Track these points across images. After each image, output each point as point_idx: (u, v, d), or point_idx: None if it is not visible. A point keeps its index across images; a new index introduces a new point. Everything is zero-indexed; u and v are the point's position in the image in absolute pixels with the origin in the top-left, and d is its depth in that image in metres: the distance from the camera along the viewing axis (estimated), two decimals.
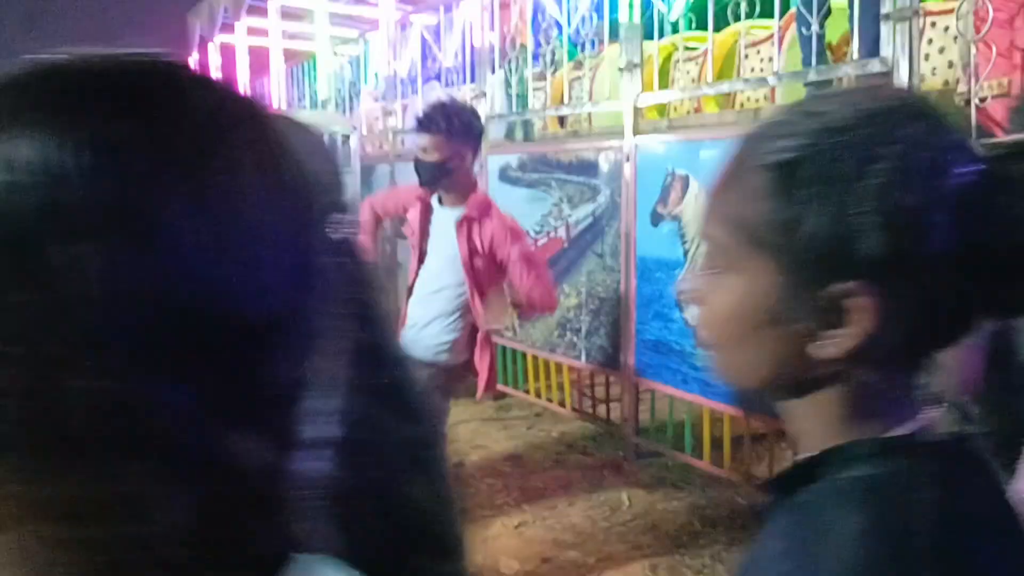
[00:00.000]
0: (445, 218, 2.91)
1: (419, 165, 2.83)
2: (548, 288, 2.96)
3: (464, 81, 5.87)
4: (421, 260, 3.01)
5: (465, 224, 2.84)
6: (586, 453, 4.42)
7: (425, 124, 2.79)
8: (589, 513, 3.65)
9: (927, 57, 3.62)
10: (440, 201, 2.95)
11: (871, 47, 3.10)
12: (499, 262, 2.85)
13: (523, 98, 5.43)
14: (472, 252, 2.83)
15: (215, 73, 8.84)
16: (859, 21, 3.11)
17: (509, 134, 5.76)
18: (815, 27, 3.29)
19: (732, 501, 3.71)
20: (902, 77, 2.89)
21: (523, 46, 5.37)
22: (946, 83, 3.59)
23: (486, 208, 2.88)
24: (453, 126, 2.75)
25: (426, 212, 2.97)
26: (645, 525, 3.54)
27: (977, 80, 2.87)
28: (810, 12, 3.32)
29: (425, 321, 2.92)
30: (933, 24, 3.62)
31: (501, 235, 2.82)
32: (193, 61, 12.40)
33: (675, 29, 4.53)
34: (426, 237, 2.98)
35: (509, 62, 5.64)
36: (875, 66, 3.02)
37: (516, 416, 5.00)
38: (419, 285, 2.99)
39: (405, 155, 6.56)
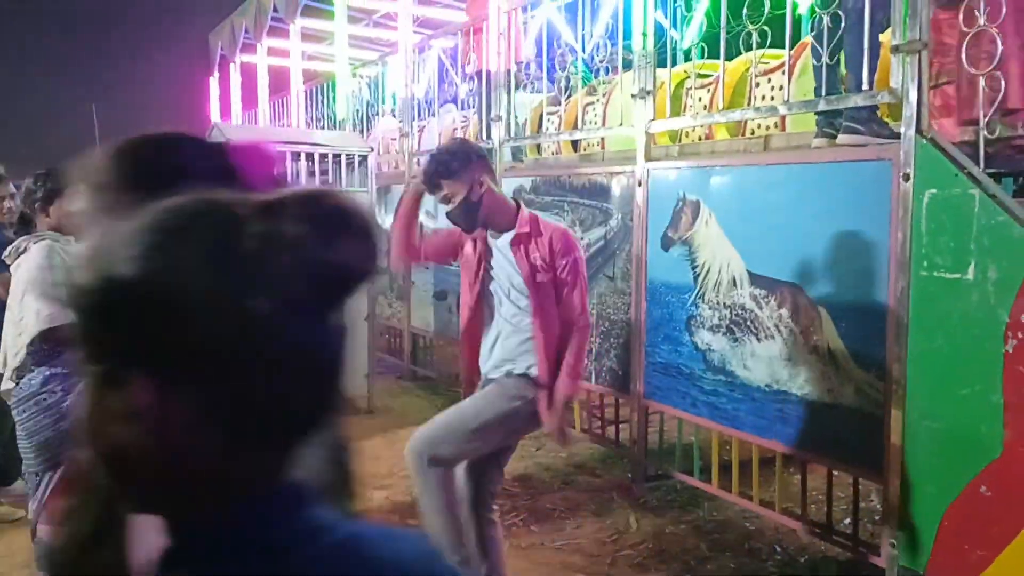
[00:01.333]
0: (500, 244, 2.87)
1: (453, 216, 2.81)
2: (582, 306, 2.85)
3: (480, 104, 5.96)
4: (482, 290, 2.92)
5: (520, 243, 2.81)
6: (595, 475, 4.44)
7: (430, 181, 2.80)
8: (598, 535, 3.67)
9: (935, 86, 3.66)
10: (492, 235, 2.91)
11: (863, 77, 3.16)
12: (554, 270, 2.81)
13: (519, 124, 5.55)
14: (533, 269, 2.79)
15: (235, 91, 8.96)
16: (868, 51, 3.16)
17: (515, 157, 5.83)
18: (824, 58, 3.34)
19: (740, 525, 3.71)
20: (911, 108, 2.93)
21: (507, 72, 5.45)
22: None
23: (535, 223, 2.85)
24: (451, 166, 2.75)
25: (484, 240, 2.91)
26: (653, 548, 3.56)
27: (985, 114, 2.91)
28: (821, 43, 3.37)
29: (493, 345, 2.89)
30: None
31: (551, 247, 2.80)
32: (214, 80, 12.61)
33: (687, 56, 4.60)
34: (484, 264, 2.90)
35: (524, 86, 5.73)
36: (885, 97, 3.06)
37: (525, 437, 5.02)
38: (487, 313, 2.93)
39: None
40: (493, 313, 2.90)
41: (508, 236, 2.84)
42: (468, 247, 2.94)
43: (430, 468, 2.68)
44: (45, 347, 2.76)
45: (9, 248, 2.90)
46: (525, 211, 2.89)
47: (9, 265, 2.91)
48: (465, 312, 3.00)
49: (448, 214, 2.82)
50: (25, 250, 2.84)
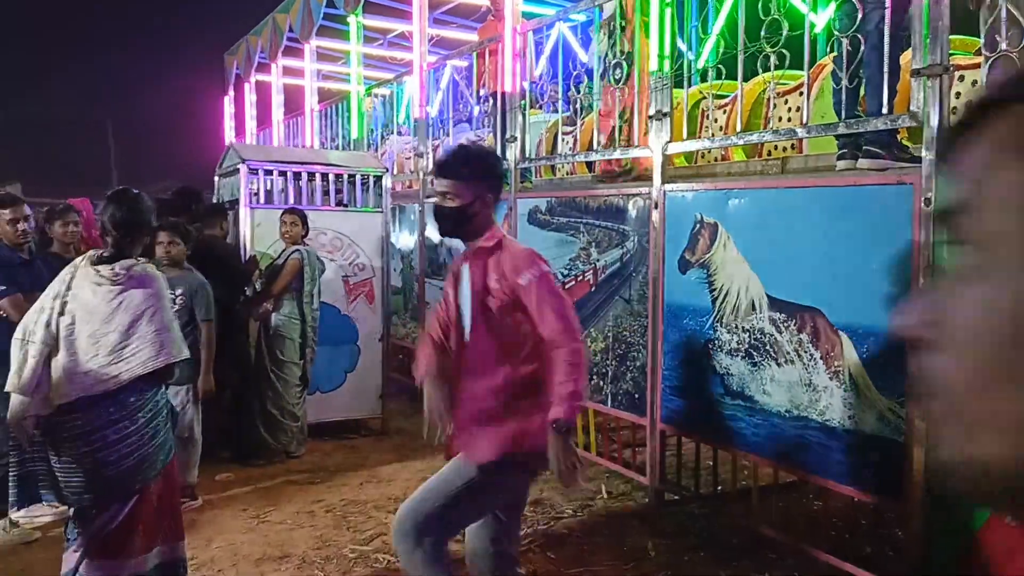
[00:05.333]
0: (466, 268, 2.57)
1: (439, 212, 2.54)
2: (562, 323, 2.39)
3: (495, 125, 5.97)
4: (458, 337, 2.58)
5: (478, 257, 2.52)
6: (611, 499, 4.39)
7: (445, 169, 2.53)
8: (614, 562, 3.62)
9: (955, 110, 3.64)
10: (467, 261, 2.59)
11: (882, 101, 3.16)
12: (515, 298, 2.43)
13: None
14: (483, 290, 2.47)
15: (249, 110, 9.01)
16: (889, 76, 3.15)
17: (523, 178, 5.83)
18: (844, 81, 3.33)
19: (761, 554, 3.66)
20: (932, 131, 2.91)
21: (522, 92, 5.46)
22: None
23: (501, 240, 2.54)
24: (475, 170, 2.52)
25: (456, 281, 2.62)
26: None
27: None
28: (841, 67, 3.36)
29: (474, 400, 2.51)
30: (961, 78, 3.64)
31: (510, 264, 2.45)
32: (229, 99, 12.71)
33: (703, 77, 4.60)
34: (458, 309, 2.59)
35: (540, 106, 5.74)
36: (905, 121, 3.04)
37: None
38: (464, 361, 2.56)
39: (433, 195, 6.66)
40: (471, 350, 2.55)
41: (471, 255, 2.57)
42: (450, 295, 2.64)
43: (417, 548, 2.39)
44: (143, 376, 2.67)
45: (116, 268, 2.73)
46: (499, 229, 2.60)
47: (102, 285, 2.72)
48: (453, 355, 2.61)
49: (435, 208, 2.58)
50: (133, 276, 2.72)
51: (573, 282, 4.78)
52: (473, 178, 2.52)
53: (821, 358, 3.31)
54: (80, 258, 2.84)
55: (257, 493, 4.55)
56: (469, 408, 2.51)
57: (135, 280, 2.73)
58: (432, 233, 6.59)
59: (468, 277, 2.53)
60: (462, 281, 2.58)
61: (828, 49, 4.78)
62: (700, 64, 4.67)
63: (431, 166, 6.85)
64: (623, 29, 4.81)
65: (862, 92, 3.45)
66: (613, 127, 4.88)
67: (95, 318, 2.67)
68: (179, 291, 4.25)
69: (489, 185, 2.56)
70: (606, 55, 4.85)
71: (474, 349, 2.50)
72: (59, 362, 2.67)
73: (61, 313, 2.69)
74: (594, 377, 4.58)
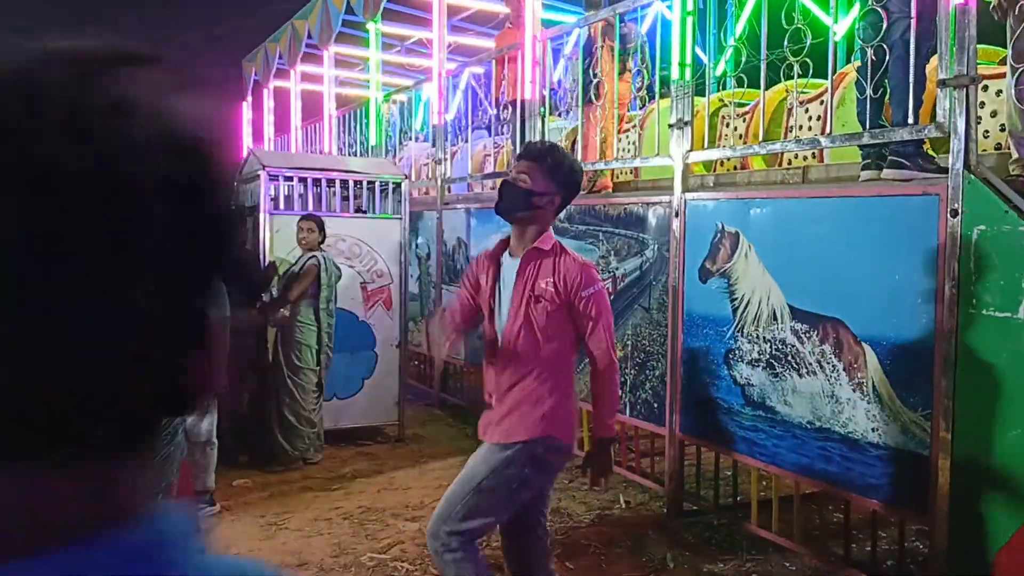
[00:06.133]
0: (510, 264, 2.66)
1: (506, 187, 2.62)
2: (609, 340, 2.59)
3: (514, 132, 5.98)
4: (493, 323, 2.69)
5: (531, 260, 2.60)
6: (630, 509, 4.37)
7: (533, 151, 2.67)
8: (632, 572, 3.60)
9: (979, 120, 3.61)
10: (510, 253, 2.68)
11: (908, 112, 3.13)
12: (569, 304, 2.56)
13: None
14: (532, 293, 2.56)
15: (268, 116, 9.12)
16: (914, 86, 3.12)
17: None
18: (869, 91, 3.31)
19: (779, 565, 3.63)
20: (960, 143, 2.88)
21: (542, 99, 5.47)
22: (998, 147, 3.57)
23: (558, 246, 2.63)
24: (558, 168, 2.61)
25: (495, 267, 2.70)
26: None
27: None
28: (865, 77, 3.34)
29: (507, 387, 2.61)
30: (985, 88, 3.61)
31: (574, 275, 2.55)
32: (247, 104, 12.80)
33: (721, 85, 4.59)
34: (495, 295, 2.69)
35: (559, 113, 5.74)
36: (931, 131, 3.02)
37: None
38: (499, 351, 2.66)
39: (452, 202, 6.67)
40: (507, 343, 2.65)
41: (523, 253, 2.63)
42: (483, 275, 2.74)
43: (446, 547, 2.47)
44: None
45: None
46: (554, 237, 2.69)
47: None
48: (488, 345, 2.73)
49: (503, 183, 2.65)
50: None
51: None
52: (553, 173, 2.62)
53: (844, 369, 3.29)
54: None
55: (274, 499, 4.56)
56: (504, 393, 2.61)
57: None
58: (450, 239, 6.60)
59: (516, 273, 2.62)
60: (504, 274, 2.68)
61: (847, 59, 4.76)
62: (718, 71, 4.66)
63: (448, 172, 6.86)
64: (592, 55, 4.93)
65: (886, 100, 3.43)
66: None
67: None
68: None
69: (564, 189, 2.66)
70: (581, 76, 5.02)
71: (513, 340, 2.60)
72: None
73: None
74: None
